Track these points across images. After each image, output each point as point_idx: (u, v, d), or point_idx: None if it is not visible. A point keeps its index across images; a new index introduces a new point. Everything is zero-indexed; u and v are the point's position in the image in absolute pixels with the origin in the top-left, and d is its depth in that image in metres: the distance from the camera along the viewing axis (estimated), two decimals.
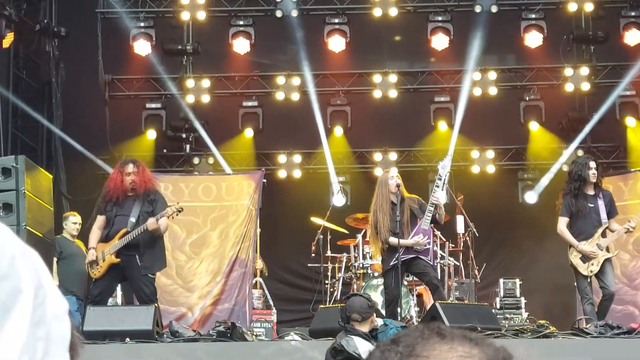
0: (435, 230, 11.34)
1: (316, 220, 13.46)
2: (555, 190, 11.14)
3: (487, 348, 1.24)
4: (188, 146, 15.84)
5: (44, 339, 1.27)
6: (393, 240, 10.14)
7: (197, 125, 15.60)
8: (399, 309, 10.84)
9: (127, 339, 9.39)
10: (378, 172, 15.59)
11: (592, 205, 10.40)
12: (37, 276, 1.30)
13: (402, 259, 10.18)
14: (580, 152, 15.41)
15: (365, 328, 7.75)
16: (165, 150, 16.03)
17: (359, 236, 13.13)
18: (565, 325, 10.62)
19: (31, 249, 1.32)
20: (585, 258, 10.29)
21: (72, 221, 12.27)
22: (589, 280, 10.42)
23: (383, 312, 11.05)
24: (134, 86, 15.91)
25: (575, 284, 10.53)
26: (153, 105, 15.77)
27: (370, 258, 12.76)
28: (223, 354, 9.34)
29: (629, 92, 15.38)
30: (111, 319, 9.60)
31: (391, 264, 10.26)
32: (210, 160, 15.62)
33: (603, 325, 9.73)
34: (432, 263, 10.46)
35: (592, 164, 10.43)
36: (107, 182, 10.50)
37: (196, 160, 15.67)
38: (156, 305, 9.93)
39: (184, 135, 15.74)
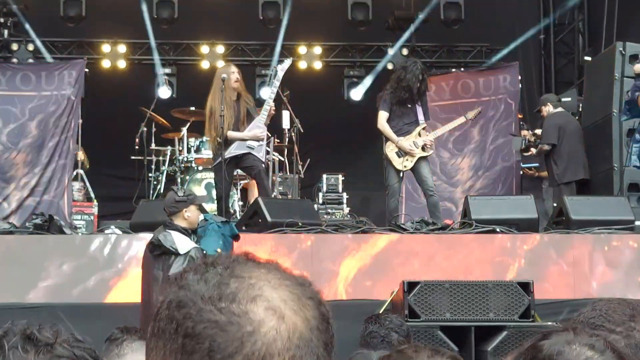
0: None
1: (143, 110, 13.23)
2: (381, 88, 11.25)
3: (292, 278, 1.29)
4: (6, 31, 15.13)
5: None
6: (231, 133, 10.06)
7: (16, 9, 14.93)
8: None
9: None
10: (205, 64, 15.43)
11: (410, 106, 10.64)
12: None
13: (233, 154, 10.14)
14: (405, 51, 15.60)
15: (181, 222, 7.69)
16: None
17: (184, 129, 12.99)
18: (385, 221, 10.85)
19: None
20: (401, 153, 10.54)
21: None
22: (400, 176, 10.69)
23: (212, 205, 11.07)
24: None
25: (386, 178, 10.77)
26: None
27: (195, 152, 12.66)
28: (40, 247, 9.13)
29: None
30: None
31: (221, 158, 10.20)
32: (30, 47, 15.02)
33: (419, 221, 10.04)
34: (262, 159, 10.46)
35: (421, 77, 10.59)
36: None
37: (15, 47, 15.03)
38: None
39: (1, 20, 15.02)
